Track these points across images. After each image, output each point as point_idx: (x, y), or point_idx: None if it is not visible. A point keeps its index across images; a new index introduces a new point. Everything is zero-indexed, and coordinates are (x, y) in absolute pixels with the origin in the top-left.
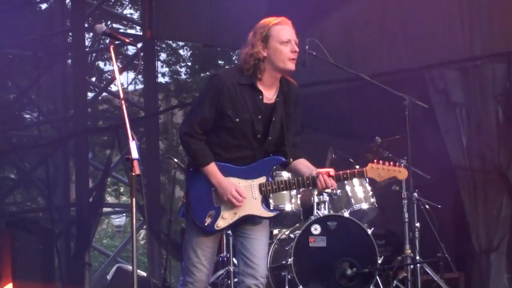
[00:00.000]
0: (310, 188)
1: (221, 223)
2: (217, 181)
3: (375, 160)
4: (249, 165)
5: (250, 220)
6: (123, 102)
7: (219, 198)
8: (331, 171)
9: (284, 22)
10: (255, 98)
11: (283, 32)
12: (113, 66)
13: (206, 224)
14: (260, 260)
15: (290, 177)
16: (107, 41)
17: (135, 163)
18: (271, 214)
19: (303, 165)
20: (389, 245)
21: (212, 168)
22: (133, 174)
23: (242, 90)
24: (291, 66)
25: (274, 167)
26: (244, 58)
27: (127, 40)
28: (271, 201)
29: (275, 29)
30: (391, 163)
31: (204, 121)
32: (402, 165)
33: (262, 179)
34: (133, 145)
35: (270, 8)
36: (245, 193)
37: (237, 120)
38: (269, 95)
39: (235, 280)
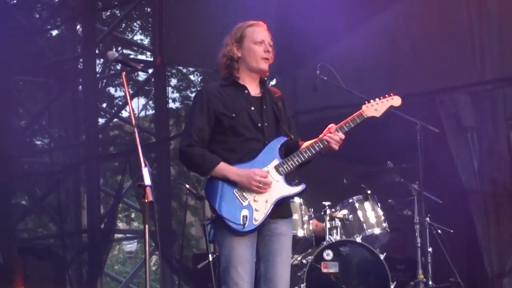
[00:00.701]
0: (322, 150)
1: (257, 216)
2: (235, 174)
3: (365, 101)
4: (257, 156)
5: (280, 212)
6: (135, 129)
7: (245, 195)
8: (331, 127)
9: (259, 25)
10: (242, 93)
11: (257, 33)
12: (125, 92)
13: (244, 224)
14: (284, 286)
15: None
16: (118, 67)
17: (148, 190)
18: (299, 188)
19: (308, 141)
20: (408, 271)
21: (225, 166)
22: (146, 201)
23: (227, 90)
24: (264, 65)
25: (281, 146)
26: (218, 60)
27: (139, 67)
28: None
29: (249, 30)
30: (381, 97)
31: (200, 130)
32: (392, 95)
33: (275, 162)
34: (145, 172)
35: (279, 33)
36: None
37: (234, 115)
38: (253, 90)
39: None
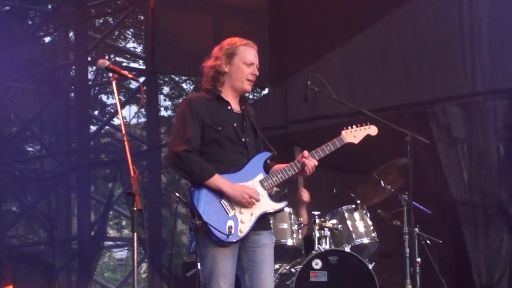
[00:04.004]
0: (300, 170)
1: (243, 228)
2: (229, 187)
3: (344, 127)
4: (242, 168)
5: (262, 225)
6: (125, 137)
7: (231, 206)
8: (305, 153)
9: (252, 45)
10: (225, 108)
11: (248, 54)
12: (116, 100)
13: (229, 234)
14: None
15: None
16: (110, 74)
17: (137, 198)
18: (282, 205)
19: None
20: None
21: (220, 177)
22: (135, 208)
23: (212, 104)
24: (248, 87)
25: (265, 161)
26: (205, 71)
27: (130, 76)
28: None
29: (241, 49)
30: (359, 124)
31: (195, 137)
32: (370, 126)
33: (260, 176)
34: (134, 180)
35: (272, 44)
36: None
37: (220, 128)
38: (235, 106)
39: None
